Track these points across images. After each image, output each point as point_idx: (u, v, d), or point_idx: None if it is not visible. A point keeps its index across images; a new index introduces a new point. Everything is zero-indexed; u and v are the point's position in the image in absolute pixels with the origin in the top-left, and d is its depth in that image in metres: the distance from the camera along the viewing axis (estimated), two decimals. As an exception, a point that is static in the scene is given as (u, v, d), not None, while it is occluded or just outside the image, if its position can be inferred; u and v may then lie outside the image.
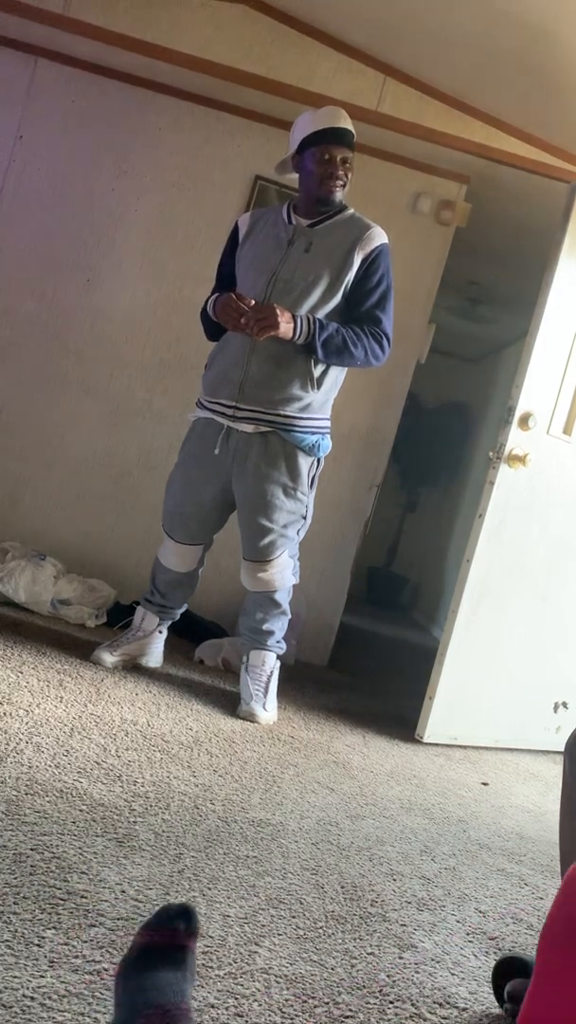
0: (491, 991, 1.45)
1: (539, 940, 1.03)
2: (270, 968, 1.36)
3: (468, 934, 1.65)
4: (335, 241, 2.67)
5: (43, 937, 1.28)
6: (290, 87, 3.25)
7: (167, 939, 1.10)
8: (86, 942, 1.29)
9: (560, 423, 3.08)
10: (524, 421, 2.96)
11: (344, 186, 2.68)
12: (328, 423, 2.76)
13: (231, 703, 2.77)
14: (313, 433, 2.69)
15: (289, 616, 2.86)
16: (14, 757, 1.90)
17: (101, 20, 3.20)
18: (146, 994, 1.03)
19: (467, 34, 2.89)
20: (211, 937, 1.40)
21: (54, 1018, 1.11)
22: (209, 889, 1.56)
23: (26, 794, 1.73)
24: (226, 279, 2.80)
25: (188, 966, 1.10)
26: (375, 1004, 1.34)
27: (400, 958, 1.50)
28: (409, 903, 1.72)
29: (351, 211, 2.74)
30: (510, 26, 2.74)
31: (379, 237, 2.69)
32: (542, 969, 1.01)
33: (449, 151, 3.41)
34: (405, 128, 3.31)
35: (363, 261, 2.66)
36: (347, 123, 2.66)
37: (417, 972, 1.47)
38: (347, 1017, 1.29)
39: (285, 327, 2.55)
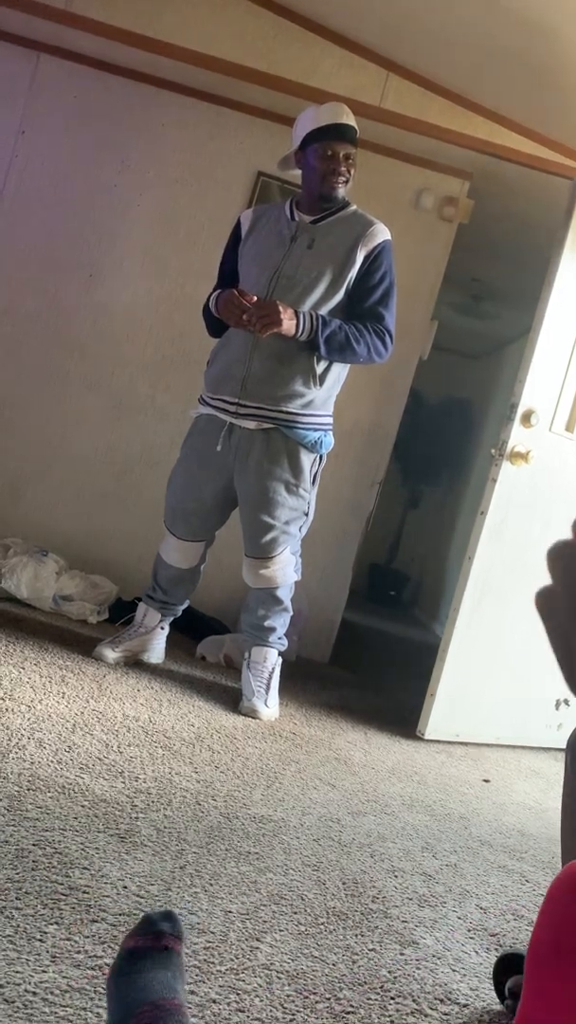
0: (492, 987, 1.45)
1: (526, 959, 1.03)
2: (272, 964, 1.36)
3: (469, 930, 1.66)
4: (338, 238, 2.66)
5: (45, 932, 1.28)
6: (293, 83, 3.24)
7: (153, 942, 1.10)
8: (88, 937, 1.29)
9: (563, 420, 3.07)
10: (527, 418, 2.96)
11: (347, 183, 2.67)
12: (330, 420, 2.76)
13: (233, 699, 2.77)
14: (315, 430, 2.69)
15: (291, 612, 2.86)
16: (16, 753, 1.90)
17: (103, 15, 3.19)
18: (137, 993, 1.04)
19: (469, 31, 2.88)
20: (212, 933, 1.40)
21: (56, 1013, 1.11)
22: (211, 885, 1.56)
23: (28, 790, 1.73)
24: (228, 275, 2.80)
25: (176, 966, 1.10)
26: (376, 1000, 1.34)
27: (401, 954, 1.50)
28: (410, 899, 1.72)
29: (354, 207, 2.74)
30: (511, 22, 2.73)
31: (382, 234, 2.68)
32: (531, 987, 1.01)
33: (451, 147, 3.41)
34: (408, 124, 3.30)
35: (366, 258, 2.65)
36: (350, 119, 2.65)
37: (418, 968, 1.47)
38: (348, 1013, 1.29)
39: (288, 324, 2.54)
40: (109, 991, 1.08)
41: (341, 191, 2.67)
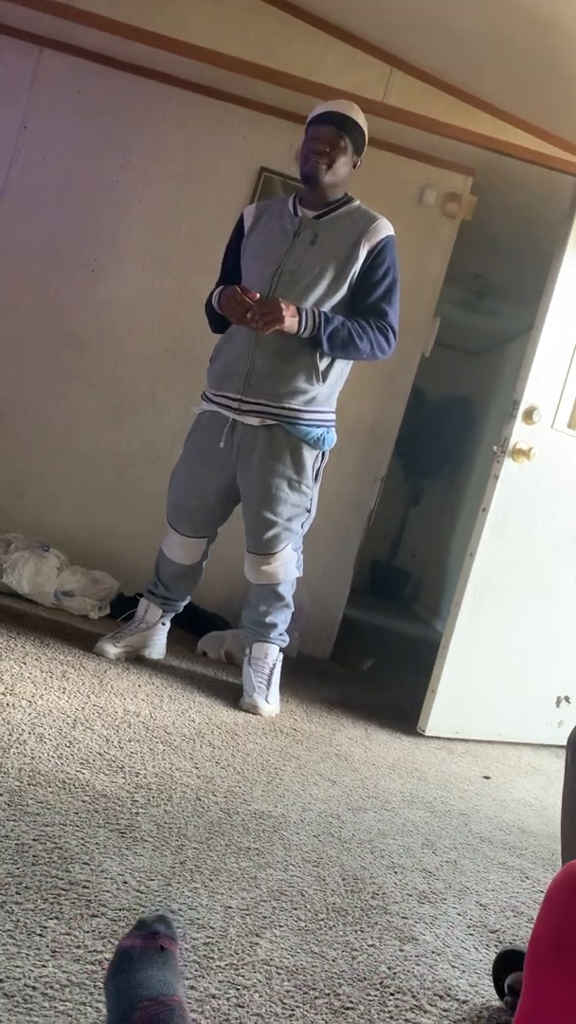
0: (491, 984, 1.45)
1: (526, 956, 1.03)
2: (271, 959, 1.36)
3: (469, 927, 1.66)
4: (341, 233, 2.65)
5: (45, 927, 1.28)
6: (296, 78, 3.23)
7: (149, 943, 1.11)
8: (88, 932, 1.30)
9: (565, 417, 3.07)
10: (529, 415, 2.96)
11: (329, 167, 2.61)
12: (333, 416, 2.75)
13: (234, 695, 2.77)
14: (318, 426, 2.68)
15: (292, 609, 2.86)
16: (17, 748, 1.90)
17: (106, 10, 3.18)
18: (136, 989, 1.04)
19: (474, 25, 2.87)
20: (212, 928, 1.40)
21: (56, 1007, 1.12)
22: (211, 880, 1.56)
23: (29, 784, 1.74)
24: (231, 271, 2.80)
25: (173, 966, 1.10)
26: (376, 996, 1.34)
27: (401, 950, 1.50)
28: (410, 896, 1.72)
29: (357, 203, 2.73)
30: (516, 18, 2.72)
31: (385, 229, 2.67)
32: (531, 983, 1.01)
33: (455, 143, 3.40)
34: (411, 120, 3.29)
35: (369, 253, 2.64)
36: (351, 112, 2.64)
37: (418, 964, 1.47)
38: (348, 1008, 1.29)
39: (290, 321, 2.54)
40: (107, 990, 1.09)
41: (323, 174, 2.61)
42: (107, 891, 1.42)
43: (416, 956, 1.49)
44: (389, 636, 5.47)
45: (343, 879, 1.72)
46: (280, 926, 1.47)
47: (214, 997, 1.22)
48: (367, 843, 1.92)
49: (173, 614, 2.97)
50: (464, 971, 1.49)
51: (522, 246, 4.36)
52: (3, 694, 2.21)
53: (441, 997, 1.39)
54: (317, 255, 2.64)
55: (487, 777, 2.70)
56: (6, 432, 3.65)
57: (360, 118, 2.65)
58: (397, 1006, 1.33)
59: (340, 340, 2.59)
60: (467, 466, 6.44)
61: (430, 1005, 1.36)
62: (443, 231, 3.71)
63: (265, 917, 1.49)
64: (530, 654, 3.15)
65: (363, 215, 2.69)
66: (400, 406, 3.79)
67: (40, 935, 1.26)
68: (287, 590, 2.80)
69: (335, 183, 2.67)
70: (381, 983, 1.38)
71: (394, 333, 2.68)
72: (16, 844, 1.49)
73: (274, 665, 2.80)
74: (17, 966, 1.17)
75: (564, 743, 1.61)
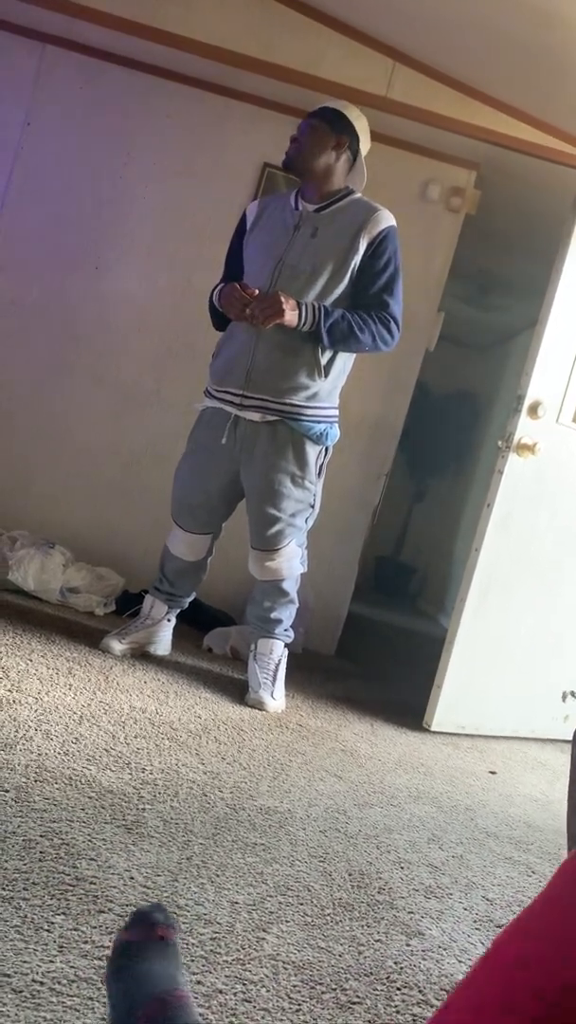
0: (498, 978, 1.45)
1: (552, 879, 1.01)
2: (278, 954, 1.36)
3: (475, 922, 1.66)
4: (341, 226, 2.65)
5: (52, 922, 1.28)
6: (299, 73, 3.22)
7: (147, 934, 1.10)
8: (95, 927, 1.30)
9: (570, 412, 3.06)
10: (533, 410, 2.95)
11: (299, 151, 2.65)
12: (336, 412, 2.75)
13: (239, 691, 2.77)
14: (320, 422, 2.68)
15: (297, 605, 2.86)
16: (23, 744, 1.91)
17: (109, 6, 3.18)
18: (140, 987, 1.03)
19: (476, 18, 2.86)
20: (219, 924, 1.41)
21: (63, 1003, 1.12)
22: (217, 876, 1.56)
23: (35, 781, 1.74)
24: (233, 268, 2.80)
25: (174, 956, 1.10)
26: (382, 990, 1.34)
27: (407, 945, 1.50)
28: (416, 891, 1.72)
29: (358, 195, 2.72)
30: (519, 10, 2.71)
31: (385, 220, 2.66)
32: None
33: (458, 137, 3.39)
34: (414, 114, 3.28)
35: (369, 244, 2.63)
36: (337, 105, 2.67)
37: (424, 959, 1.47)
38: (354, 1003, 1.29)
39: (290, 315, 2.53)
40: (108, 985, 1.08)
41: (292, 159, 2.66)
42: (114, 887, 1.43)
43: (422, 951, 1.50)
44: (394, 632, 5.47)
45: (349, 874, 1.72)
46: (287, 921, 1.47)
47: (221, 992, 1.23)
48: (373, 838, 1.93)
49: (178, 610, 2.97)
50: (470, 966, 1.49)
51: (526, 240, 4.35)
52: (9, 691, 2.21)
53: (447, 991, 1.39)
54: (317, 248, 2.63)
55: (493, 772, 2.70)
56: (10, 429, 3.66)
57: (342, 108, 2.67)
58: (404, 1001, 1.33)
59: (340, 333, 2.58)
60: (471, 461, 6.44)
61: (436, 999, 1.36)
62: (447, 225, 3.70)
63: (271, 912, 1.49)
64: (535, 649, 3.14)
65: (363, 207, 2.68)
66: (404, 401, 3.79)
67: (47, 931, 1.26)
68: (291, 586, 2.80)
69: (316, 172, 2.66)
70: (387, 978, 1.38)
71: (397, 324, 2.66)
72: (23, 840, 1.50)
73: (279, 661, 2.81)
74: (25, 961, 1.18)
75: (569, 738, 1.61)
